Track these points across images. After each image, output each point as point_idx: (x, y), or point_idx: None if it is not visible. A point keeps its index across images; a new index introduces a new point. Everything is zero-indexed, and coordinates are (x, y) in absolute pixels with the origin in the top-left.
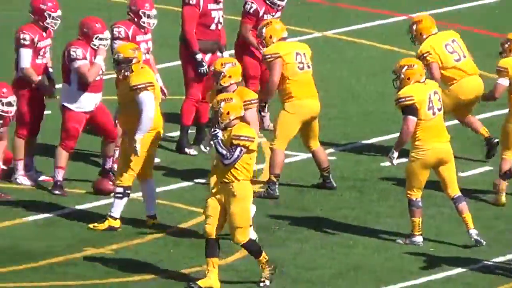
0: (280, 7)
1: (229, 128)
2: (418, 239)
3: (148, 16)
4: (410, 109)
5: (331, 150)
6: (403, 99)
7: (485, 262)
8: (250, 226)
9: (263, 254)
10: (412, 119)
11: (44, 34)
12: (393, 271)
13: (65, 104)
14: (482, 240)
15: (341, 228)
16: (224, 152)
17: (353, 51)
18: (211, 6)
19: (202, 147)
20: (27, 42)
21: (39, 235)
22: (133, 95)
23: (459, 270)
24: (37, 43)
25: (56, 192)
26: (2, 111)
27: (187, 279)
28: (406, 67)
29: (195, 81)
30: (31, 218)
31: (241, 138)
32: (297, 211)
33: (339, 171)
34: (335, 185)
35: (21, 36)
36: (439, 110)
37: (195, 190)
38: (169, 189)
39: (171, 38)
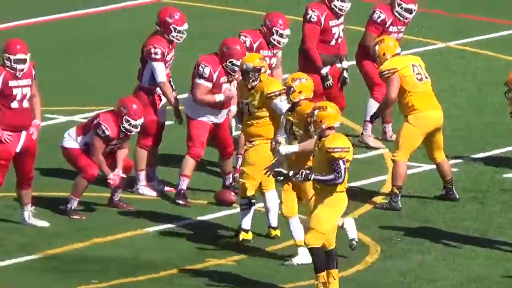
0: (407, 20)
1: (322, 139)
2: None
3: (281, 35)
4: None
5: (453, 161)
6: None
7: None
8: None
9: (323, 273)
10: None
11: (170, 46)
12: None
13: (189, 114)
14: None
15: (463, 239)
16: (329, 177)
17: (477, 62)
18: (332, 22)
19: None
20: (158, 56)
21: (160, 246)
22: (264, 103)
23: None
24: (166, 56)
25: (179, 201)
26: (126, 129)
27: None
28: None
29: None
30: (152, 228)
31: (336, 150)
32: (419, 222)
33: (461, 182)
34: (457, 196)
35: (153, 50)
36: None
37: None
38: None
39: (290, 46)
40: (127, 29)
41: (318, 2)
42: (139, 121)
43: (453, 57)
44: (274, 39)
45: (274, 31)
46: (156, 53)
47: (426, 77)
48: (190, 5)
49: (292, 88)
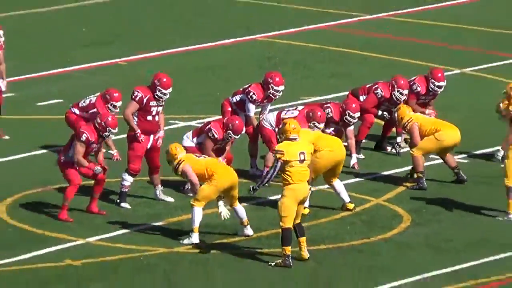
0: (437, 93)
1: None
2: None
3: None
4: None
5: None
6: None
7: None
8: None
9: (288, 248)
10: None
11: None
12: None
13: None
14: None
15: (472, 209)
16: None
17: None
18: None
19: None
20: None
21: None
22: None
23: None
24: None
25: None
26: (229, 136)
27: None
28: None
29: None
30: None
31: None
32: (440, 199)
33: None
34: (465, 177)
35: (251, 94)
36: None
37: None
38: None
39: None
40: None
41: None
42: (240, 135)
43: None
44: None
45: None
46: (251, 97)
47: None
48: None
49: None
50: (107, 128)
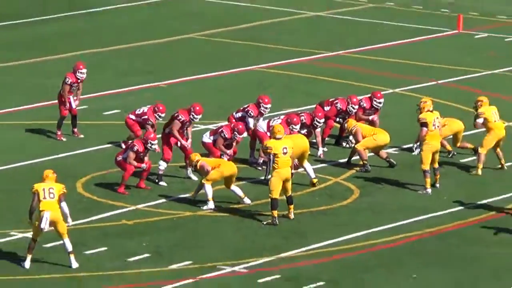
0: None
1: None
2: (429, 190)
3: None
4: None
5: None
6: None
7: None
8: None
9: (275, 211)
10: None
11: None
12: None
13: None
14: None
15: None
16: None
17: None
18: None
19: None
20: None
21: None
22: None
23: None
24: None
25: None
26: (235, 137)
27: None
28: None
29: None
30: None
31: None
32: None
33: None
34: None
35: (250, 112)
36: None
37: None
38: None
39: None
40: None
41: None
42: (243, 136)
43: None
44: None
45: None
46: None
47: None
48: None
49: None
50: (148, 141)
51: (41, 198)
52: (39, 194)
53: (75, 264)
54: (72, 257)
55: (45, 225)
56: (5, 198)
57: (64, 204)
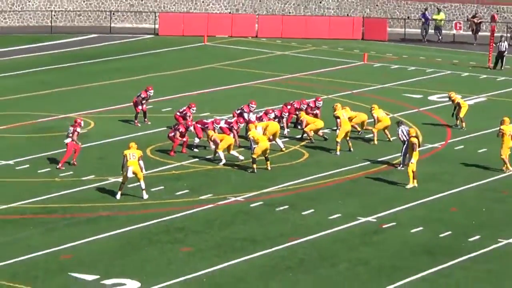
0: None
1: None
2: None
3: None
4: None
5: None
6: None
7: None
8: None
9: (255, 165)
10: None
11: None
12: None
13: None
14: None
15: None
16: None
17: None
18: None
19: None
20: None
21: None
22: None
23: None
24: None
25: None
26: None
27: None
28: None
29: None
30: None
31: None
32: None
33: None
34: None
35: (244, 109)
36: None
37: None
38: None
39: None
40: None
41: None
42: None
43: None
44: None
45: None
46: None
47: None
48: None
49: None
50: (187, 126)
51: (128, 159)
52: (126, 156)
53: (145, 196)
54: (144, 192)
55: (130, 174)
56: (108, 158)
57: (141, 162)
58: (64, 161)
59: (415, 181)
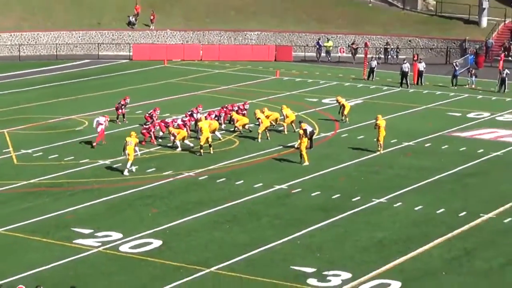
0: None
1: None
2: None
3: None
4: None
5: None
6: None
7: None
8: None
9: (202, 150)
10: None
11: None
12: None
13: None
14: None
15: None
16: None
17: None
18: None
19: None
20: None
21: None
22: None
23: None
24: None
25: None
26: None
27: None
28: None
29: None
30: None
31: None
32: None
33: None
34: None
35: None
36: None
37: None
38: None
39: None
40: None
41: None
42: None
43: None
44: None
45: None
46: None
47: None
48: None
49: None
50: (154, 125)
51: (128, 144)
52: (126, 142)
53: (126, 173)
54: (126, 170)
55: (125, 155)
56: (98, 147)
57: (136, 148)
58: (98, 141)
59: (307, 159)
